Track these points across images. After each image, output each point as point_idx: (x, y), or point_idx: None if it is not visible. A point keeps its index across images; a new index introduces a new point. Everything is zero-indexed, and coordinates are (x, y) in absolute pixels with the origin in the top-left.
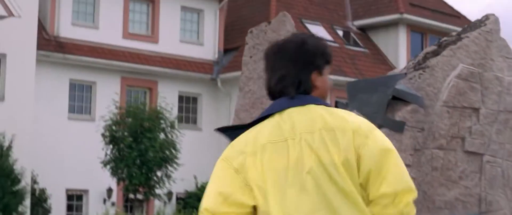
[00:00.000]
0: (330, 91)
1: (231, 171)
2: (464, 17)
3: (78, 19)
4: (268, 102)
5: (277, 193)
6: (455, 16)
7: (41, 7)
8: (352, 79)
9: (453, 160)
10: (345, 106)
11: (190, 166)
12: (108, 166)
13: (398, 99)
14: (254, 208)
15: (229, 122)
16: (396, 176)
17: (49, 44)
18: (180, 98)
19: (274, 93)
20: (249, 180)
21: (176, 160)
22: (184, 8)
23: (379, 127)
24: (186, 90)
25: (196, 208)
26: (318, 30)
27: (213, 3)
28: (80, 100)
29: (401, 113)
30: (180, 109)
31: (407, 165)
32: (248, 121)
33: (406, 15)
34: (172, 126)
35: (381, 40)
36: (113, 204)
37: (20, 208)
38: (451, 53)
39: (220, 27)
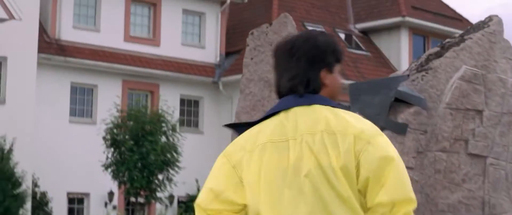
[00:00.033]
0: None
1: (229, 167)
2: (466, 20)
3: (79, 22)
4: (269, 105)
5: (274, 193)
6: (457, 19)
7: (42, 10)
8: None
9: (456, 163)
10: (347, 108)
11: (191, 169)
12: (109, 169)
13: (401, 101)
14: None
15: None
16: (395, 185)
17: (50, 47)
18: (182, 101)
19: (282, 91)
20: (243, 177)
21: (177, 163)
22: (185, 11)
23: (382, 129)
24: (187, 93)
25: None
26: None
27: (214, 6)
28: (81, 103)
29: (404, 115)
30: (181, 112)
31: (409, 168)
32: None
33: (408, 18)
34: (174, 129)
35: (383, 43)
36: (114, 207)
37: (21, 212)
38: (454, 55)
39: (221, 30)
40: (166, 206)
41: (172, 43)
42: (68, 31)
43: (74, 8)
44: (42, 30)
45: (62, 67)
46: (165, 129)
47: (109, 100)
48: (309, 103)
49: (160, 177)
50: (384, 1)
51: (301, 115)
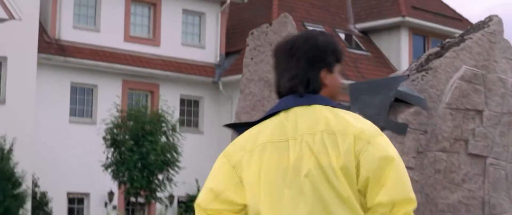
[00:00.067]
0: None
1: (229, 167)
2: (466, 20)
3: (79, 22)
4: (269, 105)
5: (274, 193)
6: (457, 19)
7: (42, 10)
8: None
9: (456, 163)
10: (347, 108)
11: (191, 169)
12: (109, 169)
13: (401, 101)
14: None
15: None
16: (395, 185)
17: (50, 47)
18: (182, 101)
19: (282, 91)
20: (243, 177)
21: (177, 163)
22: (185, 11)
23: (382, 129)
24: (187, 93)
25: None
26: None
27: (214, 6)
28: (81, 103)
29: (404, 115)
30: (181, 112)
31: (409, 168)
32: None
33: (408, 18)
34: (174, 129)
35: (383, 43)
36: (114, 207)
37: (21, 212)
38: (454, 55)
39: (221, 30)
40: (166, 206)
41: (172, 43)
42: (68, 31)
43: (74, 8)
44: (42, 30)
45: (62, 67)
46: (165, 129)
47: (109, 100)
48: (309, 103)
49: (160, 177)
50: (384, 1)
51: (301, 114)
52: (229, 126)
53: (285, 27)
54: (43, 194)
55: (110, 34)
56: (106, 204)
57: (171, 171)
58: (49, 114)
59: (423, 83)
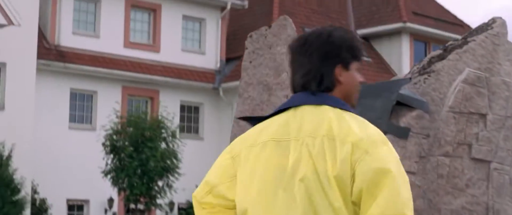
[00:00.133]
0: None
1: (229, 161)
2: (468, 26)
3: (78, 28)
4: (268, 108)
5: (268, 193)
6: (458, 24)
7: (41, 16)
8: None
9: (460, 168)
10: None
11: (191, 176)
12: (109, 176)
13: (403, 104)
14: None
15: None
16: (388, 200)
17: (50, 53)
18: (182, 107)
19: (296, 88)
20: (238, 172)
21: (177, 170)
22: (185, 17)
23: (384, 133)
24: (188, 99)
25: None
26: None
27: (215, 12)
28: (80, 109)
29: (406, 119)
30: (182, 118)
31: (412, 173)
32: (248, 128)
33: (409, 24)
34: (173, 135)
35: (384, 49)
36: (114, 214)
37: None
38: (457, 57)
39: (222, 36)
40: (166, 212)
41: (172, 49)
42: (67, 37)
43: (74, 14)
44: (42, 36)
45: (62, 73)
46: (165, 135)
47: (108, 106)
48: (319, 103)
49: (160, 183)
50: (385, 7)
51: (308, 114)
52: (243, 118)
53: (285, 29)
54: (43, 201)
55: (109, 40)
56: (106, 211)
57: (171, 178)
58: (48, 120)
59: (426, 86)
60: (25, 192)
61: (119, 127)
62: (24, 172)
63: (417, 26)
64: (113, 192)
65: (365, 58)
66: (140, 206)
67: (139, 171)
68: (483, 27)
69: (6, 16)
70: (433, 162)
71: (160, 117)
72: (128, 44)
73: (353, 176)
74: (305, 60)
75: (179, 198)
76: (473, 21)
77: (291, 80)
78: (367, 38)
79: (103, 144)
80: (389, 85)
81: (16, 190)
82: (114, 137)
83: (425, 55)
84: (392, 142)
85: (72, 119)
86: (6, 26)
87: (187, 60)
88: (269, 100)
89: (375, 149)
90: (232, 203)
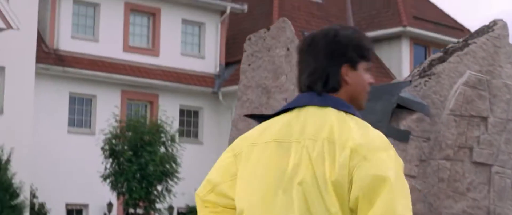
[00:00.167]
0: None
1: (231, 160)
2: (467, 30)
3: (78, 32)
4: (267, 112)
5: (268, 193)
6: (458, 29)
7: (40, 20)
8: None
9: (461, 171)
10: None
11: (191, 180)
12: (107, 180)
13: (403, 107)
14: None
15: None
16: (383, 209)
17: (49, 57)
18: (181, 112)
19: (302, 88)
20: (239, 170)
21: (176, 174)
22: (185, 21)
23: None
24: (187, 103)
25: None
26: None
27: (214, 16)
28: (80, 113)
29: (406, 122)
30: (181, 123)
31: (412, 176)
32: (246, 130)
33: (409, 28)
34: (173, 140)
35: (384, 53)
36: None
37: None
38: (458, 60)
39: (221, 40)
40: None
41: (172, 53)
42: (66, 41)
43: (73, 17)
44: (40, 40)
45: (61, 77)
46: (164, 139)
47: (108, 110)
48: (323, 104)
49: (159, 188)
50: (385, 11)
51: (311, 116)
52: (249, 116)
53: (284, 32)
54: (42, 205)
55: (109, 44)
56: None
57: (170, 182)
58: (47, 124)
59: (426, 89)
60: (24, 196)
61: (118, 131)
62: (23, 176)
63: (417, 30)
64: (112, 197)
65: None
66: (139, 211)
67: (138, 175)
68: (484, 29)
69: (5, 20)
70: (434, 165)
71: (159, 121)
72: (127, 48)
73: (351, 182)
74: (311, 60)
75: (178, 203)
76: (473, 26)
77: (298, 80)
78: None
79: (102, 148)
80: (390, 88)
81: (15, 194)
82: (113, 141)
83: (425, 59)
84: (393, 145)
85: (71, 123)
86: (5, 30)
87: (186, 64)
88: (268, 103)
89: (374, 155)
90: (233, 202)
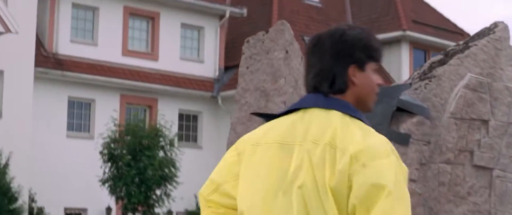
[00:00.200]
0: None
1: (235, 158)
2: (467, 34)
3: (77, 36)
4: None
5: (269, 195)
6: (458, 33)
7: (39, 23)
8: None
9: (461, 175)
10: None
11: (190, 185)
12: (106, 184)
13: (403, 110)
14: None
15: None
16: None
17: (48, 61)
18: (180, 116)
19: (308, 89)
20: (241, 169)
21: (175, 178)
22: (184, 25)
23: None
24: (186, 108)
25: None
26: None
27: (213, 20)
28: (78, 118)
29: (406, 125)
30: (180, 127)
31: (412, 180)
32: (244, 134)
33: (408, 32)
34: (171, 144)
35: (383, 57)
36: None
37: None
38: (459, 62)
39: (220, 44)
40: None
41: (171, 58)
42: (65, 45)
43: (72, 21)
44: (39, 43)
45: (60, 82)
46: (163, 143)
47: (106, 114)
48: (328, 107)
49: (158, 192)
50: (385, 15)
51: (316, 118)
52: (256, 114)
53: (283, 34)
54: (40, 210)
55: (108, 48)
56: None
57: (169, 186)
58: (46, 128)
59: (426, 92)
60: (23, 200)
61: (117, 135)
62: (21, 180)
63: (416, 35)
64: (111, 201)
65: None
66: None
67: (137, 179)
68: (485, 32)
69: (3, 23)
70: (434, 169)
71: (158, 125)
72: (126, 52)
73: (350, 189)
74: (317, 60)
75: (177, 207)
76: (473, 30)
77: (304, 81)
78: None
79: (101, 152)
80: (389, 91)
81: (13, 198)
82: (112, 145)
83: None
84: None
85: (70, 127)
86: (3, 33)
87: (185, 68)
88: (267, 107)
89: (373, 161)
90: (236, 202)
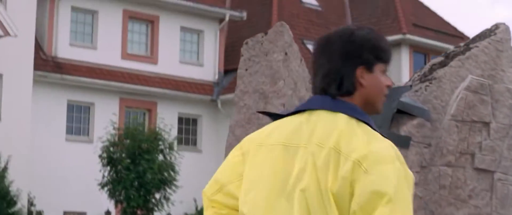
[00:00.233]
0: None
1: (239, 158)
2: (467, 38)
3: (76, 40)
4: (264, 118)
5: (270, 198)
6: (458, 36)
7: (38, 27)
8: None
9: (462, 178)
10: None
11: (189, 188)
12: (105, 188)
13: (403, 113)
14: None
15: None
16: None
17: (47, 64)
18: (180, 119)
19: (315, 90)
20: (245, 170)
21: (175, 182)
22: (183, 29)
23: None
24: (186, 111)
25: None
26: None
27: (213, 24)
28: (78, 121)
29: (407, 127)
30: (180, 131)
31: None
32: (243, 136)
33: (409, 36)
34: (171, 147)
35: None
36: None
37: None
38: (460, 64)
39: (220, 48)
40: None
41: (170, 61)
42: (64, 49)
43: (71, 25)
44: (38, 47)
45: (59, 85)
46: (162, 147)
47: (106, 118)
48: (335, 109)
49: (157, 196)
50: (385, 19)
51: (322, 121)
52: (263, 113)
53: (282, 36)
54: (39, 213)
55: (107, 52)
56: None
57: (168, 190)
58: (45, 132)
59: (427, 94)
60: (22, 204)
61: (116, 138)
62: (20, 184)
63: (417, 38)
64: (110, 205)
65: None
66: None
67: (136, 183)
68: (486, 33)
69: (2, 27)
70: (435, 172)
71: (157, 129)
72: (125, 55)
73: (351, 195)
74: (325, 61)
75: (176, 211)
76: (473, 33)
77: (312, 82)
78: None
79: (100, 156)
80: (390, 93)
81: (12, 202)
82: (111, 149)
83: None
84: None
85: (69, 130)
86: (2, 37)
87: (185, 72)
88: (265, 109)
89: (376, 167)
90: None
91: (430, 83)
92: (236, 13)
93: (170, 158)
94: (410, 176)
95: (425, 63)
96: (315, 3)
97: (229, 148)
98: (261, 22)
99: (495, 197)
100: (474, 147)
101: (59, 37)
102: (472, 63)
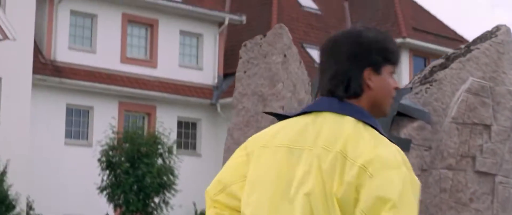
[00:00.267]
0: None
1: (243, 159)
2: (467, 42)
3: (75, 43)
4: (263, 120)
5: (273, 201)
6: (458, 40)
7: (37, 30)
8: None
9: (463, 181)
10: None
11: (189, 192)
12: (104, 192)
13: (404, 115)
14: None
15: None
16: None
17: (46, 68)
18: (179, 123)
19: (322, 92)
20: (249, 171)
21: (174, 186)
22: (183, 33)
23: None
24: (185, 115)
25: None
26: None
27: (212, 28)
28: (77, 125)
29: (407, 130)
30: (179, 134)
31: None
32: (242, 139)
33: (408, 40)
34: (170, 151)
35: None
36: None
37: None
38: (460, 66)
39: (219, 51)
40: None
41: (169, 65)
42: (63, 52)
43: (70, 28)
44: (37, 51)
45: (58, 89)
46: (161, 151)
47: (105, 122)
48: (342, 112)
49: (156, 200)
50: (384, 22)
51: (328, 124)
52: (270, 113)
53: (281, 38)
54: None
55: (106, 56)
56: None
57: (167, 194)
58: (44, 136)
59: (427, 96)
60: (20, 208)
61: (115, 142)
62: (19, 187)
63: (416, 42)
64: (109, 209)
65: None
66: None
67: (135, 187)
68: (487, 35)
69: (1, 30)
70: (436, 175)
71: (156, 133)
72: (124, 59)
73: (357, 200)
74: (332, 63)
75: None
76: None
77: (319, 83)
78: None
79: (99, 160)
80: None
81: (11, 206)
82: (110, 152)
83: None
84: None
85: (68, 134)
86: (1, 40)
87: (184, 75)
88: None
89: (381, 172)
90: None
91: (431, 85)
92: (235, 17)
93: (169, 162)
94: (417, 183)
95: (425, 67)
96: (315, 7)
97: (227, 151)
98: (261, 26)
99: (496, 201)
100: (475, 150)
101: (58, 41)
102: (473, 65)
